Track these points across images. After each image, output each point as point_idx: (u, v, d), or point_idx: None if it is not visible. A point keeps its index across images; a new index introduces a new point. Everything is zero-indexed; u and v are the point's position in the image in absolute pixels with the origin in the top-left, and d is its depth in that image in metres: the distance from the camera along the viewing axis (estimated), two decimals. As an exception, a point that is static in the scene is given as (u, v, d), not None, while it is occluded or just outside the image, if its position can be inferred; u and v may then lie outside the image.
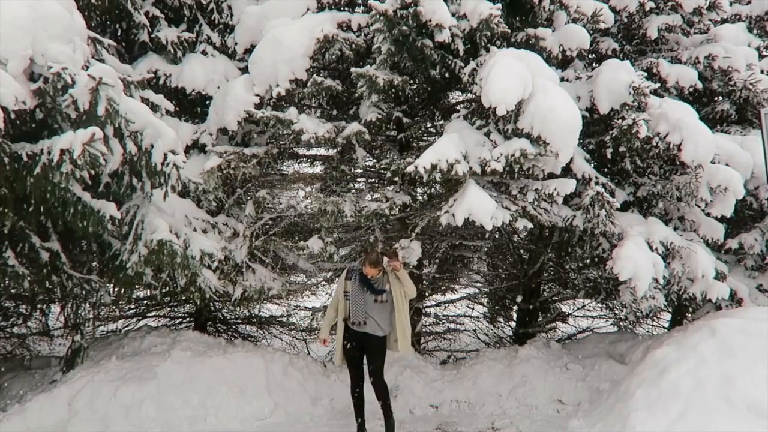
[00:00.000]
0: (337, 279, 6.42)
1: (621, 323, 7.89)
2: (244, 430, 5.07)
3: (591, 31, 6.13)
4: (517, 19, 6.05)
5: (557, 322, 8.09)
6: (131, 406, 4.86)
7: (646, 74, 5.86)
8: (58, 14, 4.14)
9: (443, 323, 8.10)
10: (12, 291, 5.34)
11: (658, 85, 6.06)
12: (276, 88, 5.55)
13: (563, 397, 5.81)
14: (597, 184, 5.74)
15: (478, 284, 8.70)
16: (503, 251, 7.85)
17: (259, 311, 7.93)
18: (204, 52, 6.15)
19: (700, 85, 6.39)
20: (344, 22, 5.72)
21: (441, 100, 6.75)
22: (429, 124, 7.29)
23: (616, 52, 6.73)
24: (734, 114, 6.66)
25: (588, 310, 8.26)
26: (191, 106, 6.35)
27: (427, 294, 7.66)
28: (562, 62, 6.13)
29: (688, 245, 5.72)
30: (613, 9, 6.47)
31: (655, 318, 7.93)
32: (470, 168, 5.14)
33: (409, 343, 4.88)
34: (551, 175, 5.46)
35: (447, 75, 5.73)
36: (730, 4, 7.41)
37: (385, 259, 4.81)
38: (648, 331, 7.95)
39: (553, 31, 5.89)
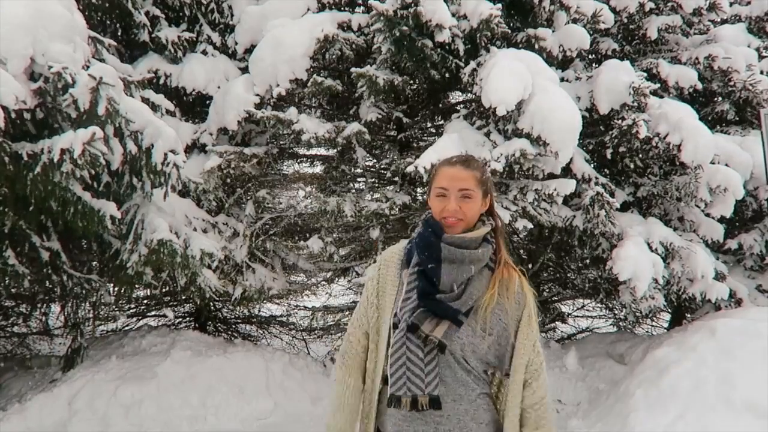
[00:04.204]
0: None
1: (621, 323, 7.89)
2: (244, 429, 5.06)
3: (591, 32, 6.12)
4: (518, 19, 6.05)
5: (557, 322, 8.09)
6: (131, 406, 4.86)
7: (646, 75, 5.85)
8: (59, 14, 4.13)
9: (443, 323, 8.07)
10: (12, 290, 5.33)
11: (658, 85, 6.06)
12: (276, 88, 5.55)
13: (563, 397, 5.80)
14: (597, 184, 5.74)
15: (478, 284, 8.68)
16: (503, 251, 7.83)
17: (259, 311, 7.93)
18: (204, 52, 6.15)
19: (699, 86, 6.38)
20: (344, 22, 5.72)
21: (441, 100, 6.74)
22: (429, 124, 7.28)
23: (616, 53, 6.72)
24: (734, 114, 6.65)
25: (588, 310, 8.25)
26: (191, 105, 6.35)
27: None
28: (562, 62, 6.12)
29: (687, 245, 5.71)
30: (613, 9, 6.47)
31: (654, 318, 7.92)
32: (470, 168, 5.13)
33: None
34: (551, 176, 5.46)
35: (447, 75, 5.72)
36: (730, 5, 7.41)
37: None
38: (648, 331, 7.94)
39: (553, 31, 5.89)
